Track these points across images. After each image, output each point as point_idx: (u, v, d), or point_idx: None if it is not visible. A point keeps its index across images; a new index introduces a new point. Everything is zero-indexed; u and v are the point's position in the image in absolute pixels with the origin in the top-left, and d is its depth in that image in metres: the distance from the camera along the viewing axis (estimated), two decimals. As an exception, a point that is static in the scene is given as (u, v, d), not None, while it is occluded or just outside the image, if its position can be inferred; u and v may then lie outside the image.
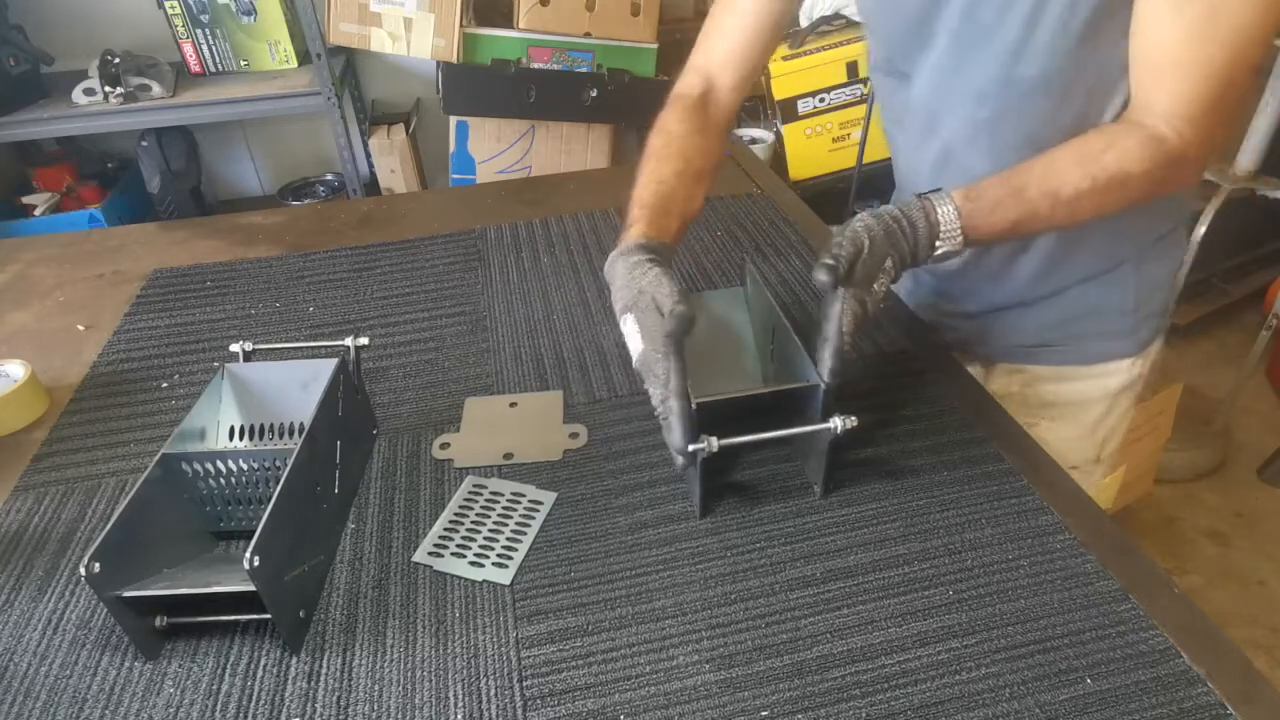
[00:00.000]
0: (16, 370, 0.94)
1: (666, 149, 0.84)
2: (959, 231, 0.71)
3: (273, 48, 2.16)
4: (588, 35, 2.07)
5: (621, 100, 2.14)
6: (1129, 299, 0.91)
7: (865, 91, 1.95)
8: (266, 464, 0.73)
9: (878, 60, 0.93)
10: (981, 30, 0.77)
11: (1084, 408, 0.97)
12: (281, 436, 0.83)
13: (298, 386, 0.82)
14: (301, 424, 0.83)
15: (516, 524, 0.76)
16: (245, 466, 0.73)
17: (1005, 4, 0.74)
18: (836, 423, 0.70)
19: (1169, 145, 0.70)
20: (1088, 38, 0.72)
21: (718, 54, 0.91)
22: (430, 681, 0.63)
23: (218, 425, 0.81)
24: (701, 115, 0.88)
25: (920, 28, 0.82)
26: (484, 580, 0.71)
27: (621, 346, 1.00)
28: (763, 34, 0.90)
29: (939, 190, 0.73)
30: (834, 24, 1.99)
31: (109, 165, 2.36)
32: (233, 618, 0.66)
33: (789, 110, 2.00)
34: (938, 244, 0.71)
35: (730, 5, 0.90)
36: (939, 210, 0.71)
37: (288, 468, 0.67)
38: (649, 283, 0.72)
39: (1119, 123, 0.74)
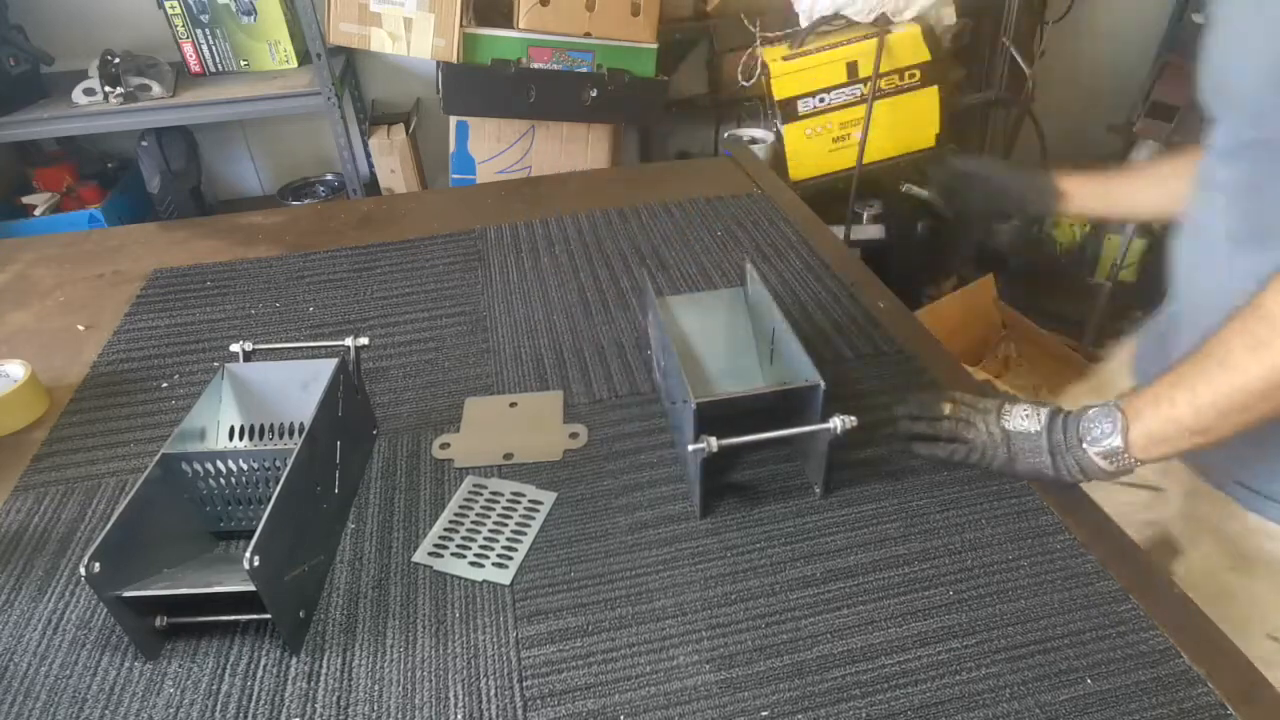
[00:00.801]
0: (16, 370, 0.94)
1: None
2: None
3: (273, 48, 2.16)
4: (588, 35, 2.07)
5: (621, 100, 2.13)
6: None
7: (864, 91, 1.95)
8: (266, 464, 0.73)
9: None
10: None
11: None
12: (281, 436, 0.83)
13: (298, 386, 0.82)
14: (301, 424, 0.82)
15: (516, 524, 0.76)
16: (245, 466, 0.73)
17: None
18: (836, 423, 0.70)
19: None
20: None
21: None
22: (430, 681, 0.63)
23: (218, 425, 0.81)
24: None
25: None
26: (484, 580, 0.71)
27: (621, 346, 1.00)
28: None
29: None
30: (834, 24, 1.99)
31: (109, 165, 2.36)
32: (233, 618, 0.66)
33: (789, 110, 2.00)
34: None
35: None
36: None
37: (288, 468, 0.67)
38: None
39: None
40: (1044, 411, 0.74)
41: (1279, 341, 0.61)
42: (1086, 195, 1.02)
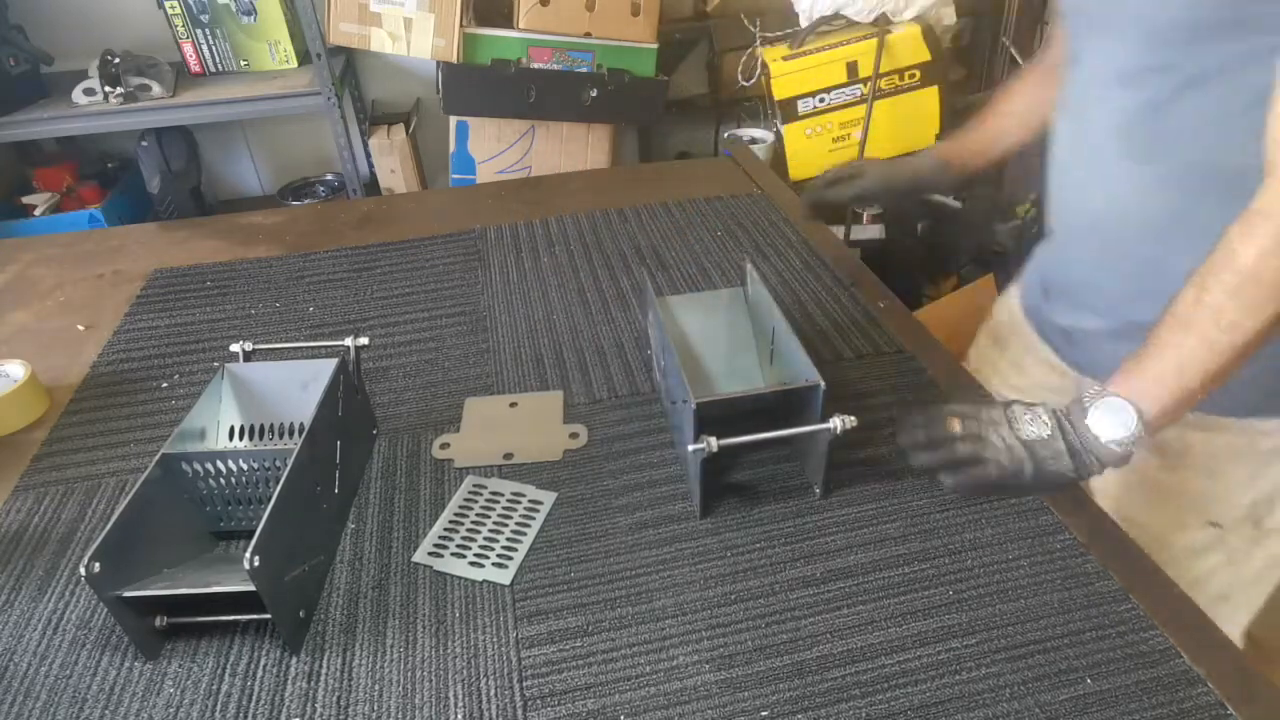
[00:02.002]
0: (16, 370, 0.94)
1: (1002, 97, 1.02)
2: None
3: (273, 48, 2.16)
4: (588, 35, 2.07)
5: (621, 100, 2.13)
6: None
7: (864, 91, 1.95)
8: (266, 464, 0.73)
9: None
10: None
11: (1228, 461, 0.85)
12: (281, 437, 0.83)
13: (298, 386, 0.82)
14: (301, 424, 0.82)
15: (516, 524, 0.76)
16: (245, 466, 0.73)
17: None
18: (836, 423, 0.70)
19: None
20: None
21: None
22: (430, 682, 0.63)
23: (218, 425, 0.81)
24: (1049, 76, 0.96)
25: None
26: (484, 580, 0.71)
27: (621, 346, 1.00)
28: None
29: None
30: (834, 24, 1.99)
31: (109, 165, 2.36)
32: (233, 618, 0.66)
33: (789, 110, 2.00)
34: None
35: None
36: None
37: (288, 468, 0.67)
38: None
39: (1236, 227, 0.66)
40: (1043, 411, 0.72)
41: (1270, 301, 0.63)
42: (966, 157, 1.08)
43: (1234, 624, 0.92)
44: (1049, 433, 0.70)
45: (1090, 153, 0.84)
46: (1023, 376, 1.03)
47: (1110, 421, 0.68)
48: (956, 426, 0.73)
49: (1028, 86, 1.03)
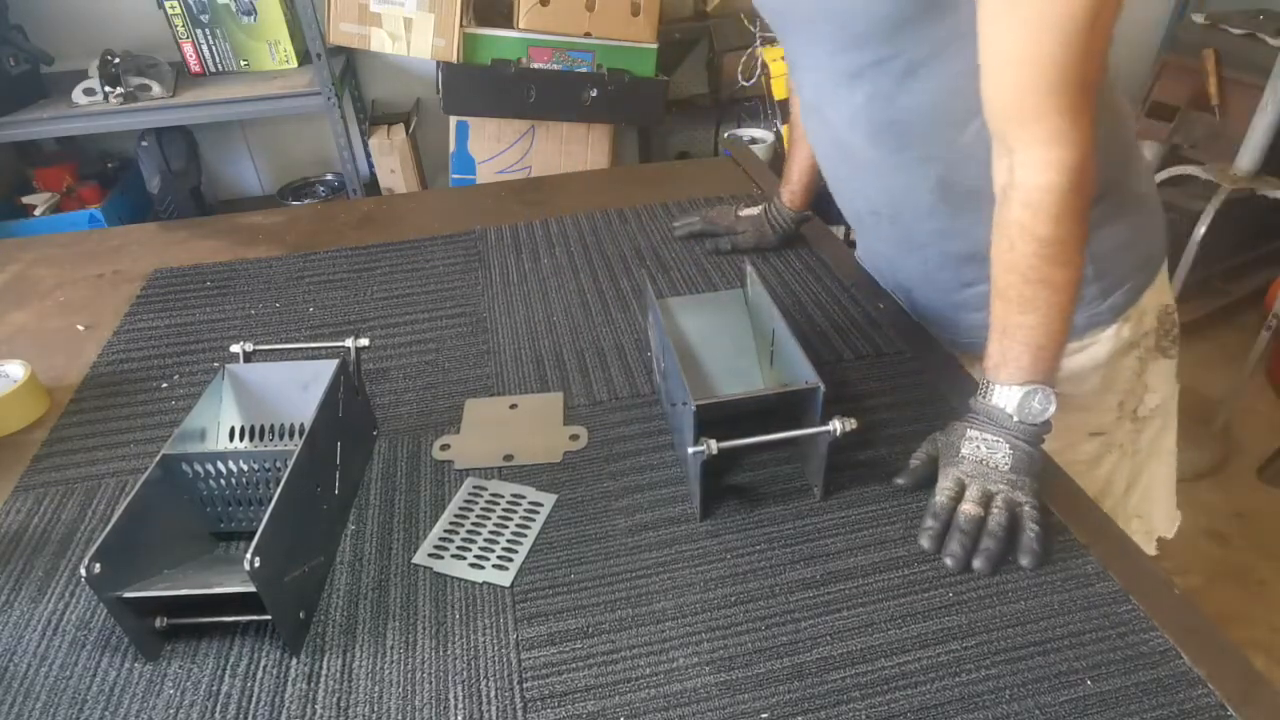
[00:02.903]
0: (16, 370, 0.94)
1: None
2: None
3: (273, 48, 2.16)
4: (588, 35, 2.07)
5: (621, 100, 2.14)
6: (1085, 270, 0.83)
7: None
8: (267, 465, 0.73)
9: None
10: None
11: (1081, 379, 0.94)
12: (282, 437, 0.83)
13: (298, 387, 0.82)
14: (302, 425, 0.82)
15: (517, 526, 0.76)
16: (245, 467, 0.73)
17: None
18: (836, 425, 0.70)
19: (1041, 182, 0.68)
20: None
21: None
22: (430, 683, 0.63)
23: (218, 426, 0.81)
24: None
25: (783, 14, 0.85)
26: (484, 582, 0.71)
27: (621, 348, 1.00)
28: None
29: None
30: (834, 24, 2.00)
31: (109, 165, 2.36)
32: (233, 619, 0.66)
33: (789, 110, 2.00)
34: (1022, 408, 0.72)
35: None
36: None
37: (288, 469, 0.67)
38: None
39: (999, 208, 0.72)
40: (993, 430, 0.72)
41: (1077, 251, 0.70)
42: (799, 193, 1.16)
43: (1150, 503, 1.07)
44: (1009, 447, 0.72)
45: (844, 150, 0.90)
46: None
47: (1037, 407, 0.71)
48: (943, 495, 0.72)
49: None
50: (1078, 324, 0.87)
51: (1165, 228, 0.97)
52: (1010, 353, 0.72)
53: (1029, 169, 0.68)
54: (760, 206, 1.19)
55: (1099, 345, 0.93)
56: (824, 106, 0.89)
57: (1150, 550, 1.08)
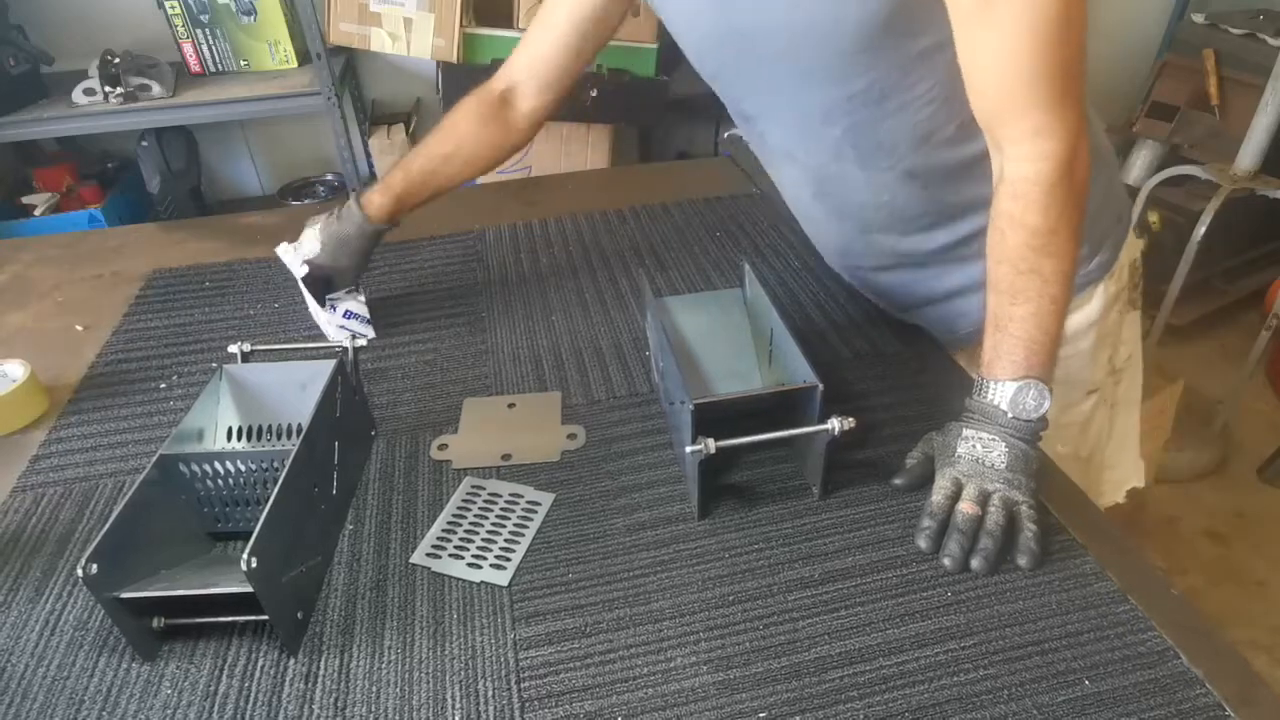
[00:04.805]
0: (16, 370, 0.94)
1: (439, 132, 1.01)
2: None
3: (273, 48, 2.16)
4: (587, 35, 2.07)
5: (621, 100, 2.14)
6: None
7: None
8: (264, 465, 0.73)
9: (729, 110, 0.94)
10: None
11: (1080, 336, 0.95)
12: (279, 438, 0.83)
13: (296, 387, 0.82)
14: (299, 425, 0.82)
15: (514, 525, 0.76)
16: (243, 468, 0.73)
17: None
18: (834, 424, 0.70)
19: (1029, 174, 0.69)
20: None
21: (522, 61, 1.00)
22: (428, 683, 0.63)
23: (216, 426, 0.81)
24: (491, 109, 1.00)
25: (740, 64, 0.83)
26: (482, 581, 0.71)
27: (619, 347, 1.00)
28: (569, 49, 0.97)
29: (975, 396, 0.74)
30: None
31: (109, 165, 2.36)
32: (230, 619, 0.66)
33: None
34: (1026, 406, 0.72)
35: (542, 18, 0.97)
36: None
37: (285, 469, 0.67)
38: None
39: (993, 202, 0.73)
40: (988, 428, 0.72)
41: (1071, 240, 0.71)
42: (395, 209, 1.02)
43: (1121, 453, 1.08)
44: (1003, 448, 0.71)
45: (833, 181, 0.89)
46: None
47: (1032, 402, 0.71)
48: (939, 495, 0.72)
49: (472, 126, 1.00)
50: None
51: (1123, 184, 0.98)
52: (1003, 347, 0.72)
53: (1016, 162, 0.70)
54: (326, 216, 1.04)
55: (1092, 303, 0.94)
56: (797, 151, 0.89)
57: (1120, 499, 1.11)
